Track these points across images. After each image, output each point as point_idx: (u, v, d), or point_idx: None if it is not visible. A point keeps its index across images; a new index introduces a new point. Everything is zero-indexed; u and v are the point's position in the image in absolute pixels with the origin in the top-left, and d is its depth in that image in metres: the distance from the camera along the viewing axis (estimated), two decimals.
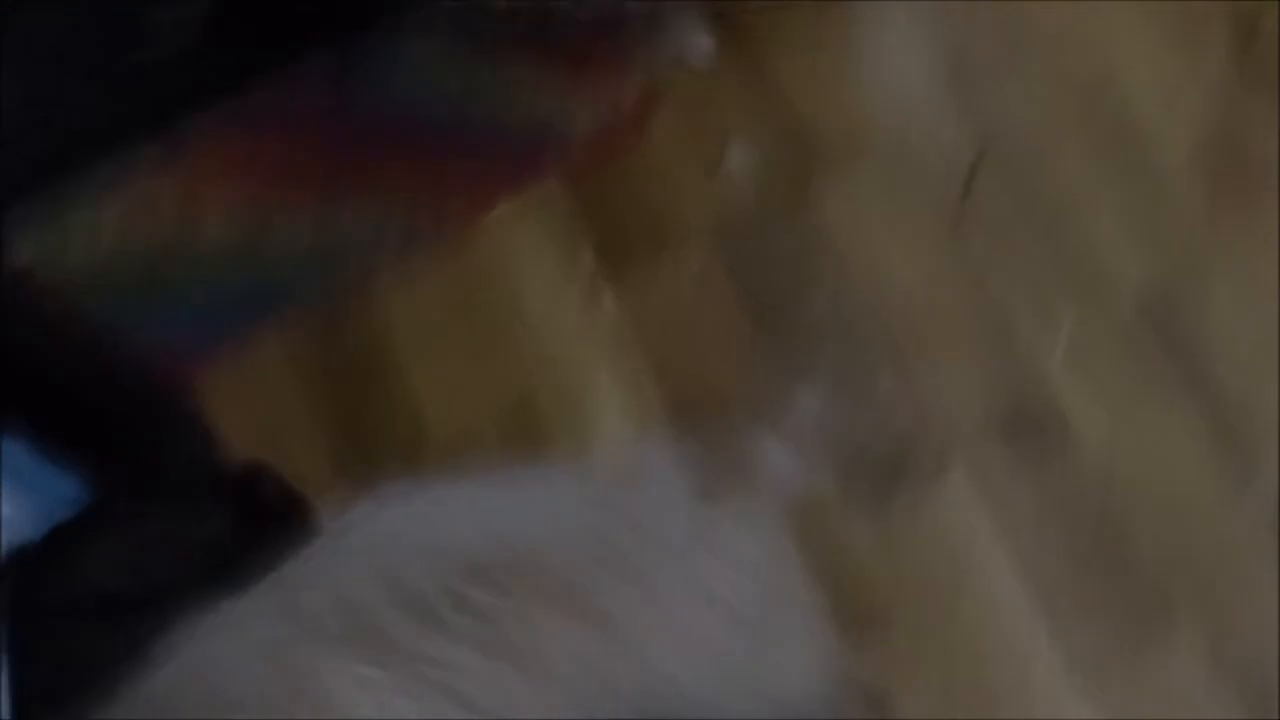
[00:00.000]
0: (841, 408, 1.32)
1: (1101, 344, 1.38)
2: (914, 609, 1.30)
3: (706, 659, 0.93)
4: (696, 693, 0.92)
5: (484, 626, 0.88)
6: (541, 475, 1.02)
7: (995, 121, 1.47)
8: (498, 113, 1.49)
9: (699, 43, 1.51)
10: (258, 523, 1.31)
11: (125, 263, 1.42)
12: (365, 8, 1.47)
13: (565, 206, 1.48)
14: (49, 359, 1.26)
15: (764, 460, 1.06)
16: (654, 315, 1.44)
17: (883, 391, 1.38)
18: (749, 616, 0.94)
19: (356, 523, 0.97)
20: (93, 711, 0.87)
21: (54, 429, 1.24)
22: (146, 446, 1.35)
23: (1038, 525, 1.31)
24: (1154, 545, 1.29)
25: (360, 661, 0.87)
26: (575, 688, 0.89)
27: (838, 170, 1.46)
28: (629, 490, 0.98)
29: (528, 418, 1.42)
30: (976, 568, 1.31)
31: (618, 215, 1.47)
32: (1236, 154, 1.42)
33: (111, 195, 1.43)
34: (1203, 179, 1.41)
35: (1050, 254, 1.42)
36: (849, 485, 1.30)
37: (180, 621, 0.91)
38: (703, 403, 1.40)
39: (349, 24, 1.47)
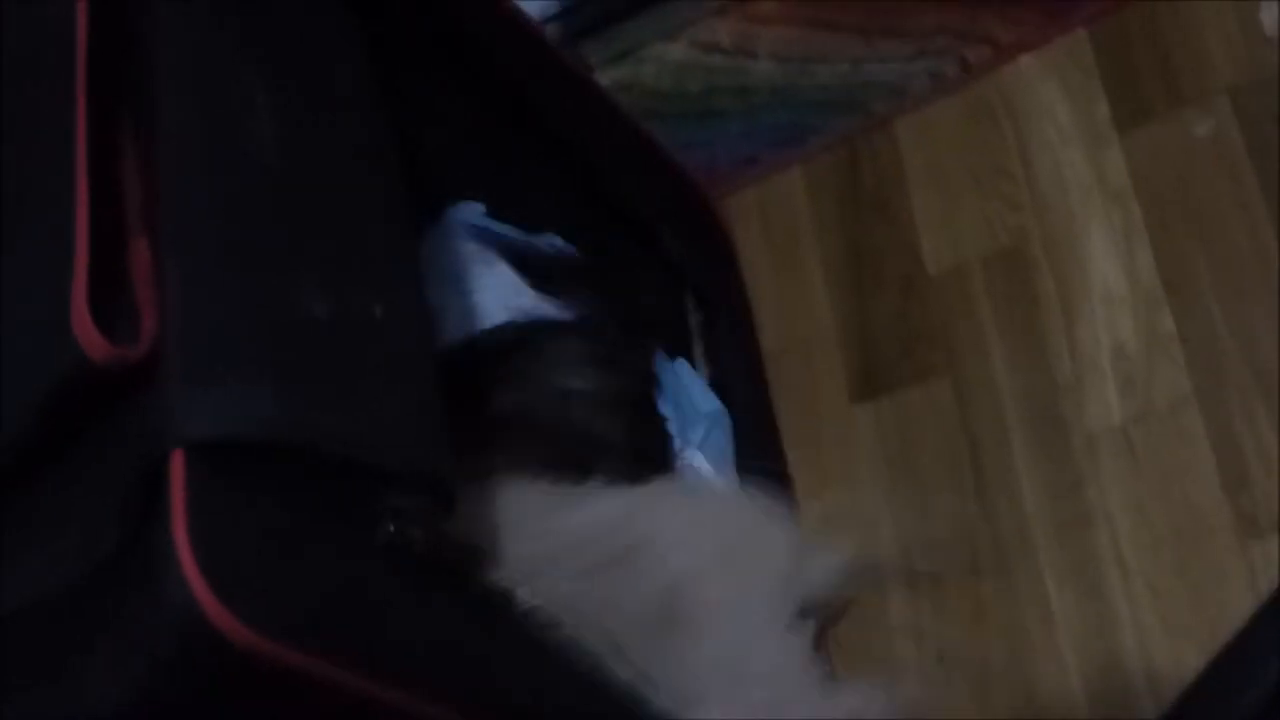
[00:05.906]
0: None
1: None
2: None
3: None
4: None
5: None
6: None
7: None
8: None
9: None
10: None
11: (684, 93, 1.62)
12: None
13: (1087, 57, 1.48)
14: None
15: None
16: (1160, 174, 1.43)
17: None
18: None
19: None
20: None
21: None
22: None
23: None
24: None
25: None
26: None
27: None
28: None
29: (1017, 263, 1.47)
30: None
31: (1138, 68, 1.45)
32: None
33: (680, 34, 1.63)
34: None
35: None
36: None
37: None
38: (1190, 275, 1.38)
39: None
